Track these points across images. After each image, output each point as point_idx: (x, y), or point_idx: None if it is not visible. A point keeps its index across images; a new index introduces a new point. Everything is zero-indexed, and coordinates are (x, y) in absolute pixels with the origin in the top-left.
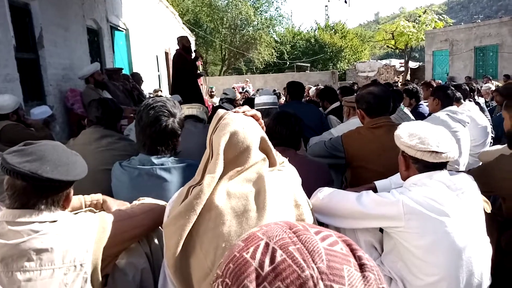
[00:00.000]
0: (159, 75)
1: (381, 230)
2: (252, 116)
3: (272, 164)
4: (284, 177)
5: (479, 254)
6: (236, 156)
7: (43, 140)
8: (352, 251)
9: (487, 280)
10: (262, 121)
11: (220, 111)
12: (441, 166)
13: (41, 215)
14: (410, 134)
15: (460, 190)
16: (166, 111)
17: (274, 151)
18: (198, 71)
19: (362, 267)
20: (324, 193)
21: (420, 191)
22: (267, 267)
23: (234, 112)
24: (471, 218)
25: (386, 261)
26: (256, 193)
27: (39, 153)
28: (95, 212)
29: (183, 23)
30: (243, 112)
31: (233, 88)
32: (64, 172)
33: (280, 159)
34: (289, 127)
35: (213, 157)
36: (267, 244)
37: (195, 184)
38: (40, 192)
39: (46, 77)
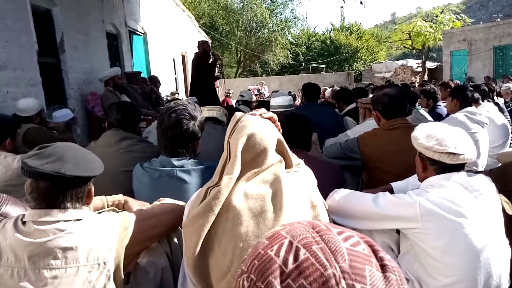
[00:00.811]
0: (176, 78)
1: (397, 231)
2: (268, 118)
3: (288, 165)
4: (300, 178)
5: (498, 255)
6: (253, 158)
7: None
8: (374, 252)
9: (506, 282)
10: (279, 124)
11: (238, 114)
12: (458, 167)
13: (66, 214)
14: (428, 135)
15: (478, 191)
16: (187, 114)
17: (290, 152)
18: (216, 74)
19: (383, 267)
20: (340, 195)
21: (437, 192)
22: (291, 265)
23: (251, 114)
24: (489, 219)
25: (402, 262)
26: (273, 194)
27: (57, 154)
28: (117, 212)
29: (199, 26)
30: (260, 114)
31: (248, 90)
32: (84, 168)
33: (296, 161)
34: (299, 128)
35: (230, 158)
36: (290, 243)
37: (213, 185)
38: (64, 191)
39: (68, 81)
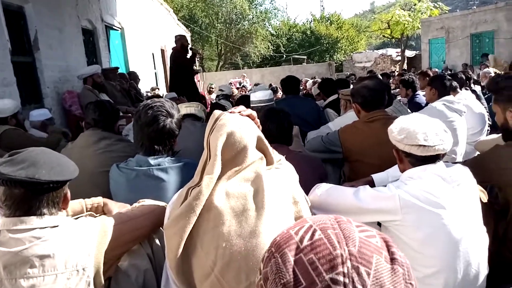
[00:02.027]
0: (155, 73)
1: (378, 224)
2: (248, 115)
3: (269, 162)
4: (281, 175)
5: (476, 244)
6: (233, 156)
7: (46, 146)
8: (387, 246)
9: (484, 270)
10: (258, 120)
11: (216, 112)
12: (434, 158)
13: (42, 220)
14: (401, 128)
15: (455, 182)
16: (164, 111)
17: (270, 149)
18: (195, 68)
19: (393, 260)
20: (322, 189)
21: (416, 184)
22: (306, 242)
23: (230, 112)
24: (467, 209)
25: None
26: (254, 192)
27: (30, 159)
28: (95, 216)
29: (178, 19)
30: (239, 112)
31: (230, 83)
32: (59, 172)
33: (277, 157)
34: (279, 123)
35: (211, 158)
36: (310, 226)
37: (194, 185)
38: (39, 196)
39: (43, 80)
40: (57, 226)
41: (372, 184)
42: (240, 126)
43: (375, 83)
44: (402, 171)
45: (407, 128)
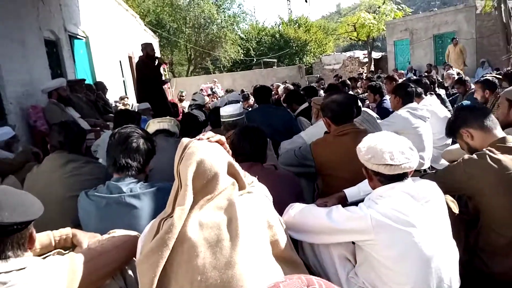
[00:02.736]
0: (124, 81)
1: (353, 242)
2: (216, 141)
3: (241, 187)
4: (254, 199)
5: (447, 260)
6: (204, 185)
7: (12, 167)
8: None
9: (456, 284)
10: (227, 146)
11: (184, 140)
12: (402, 176)
13: (7, 264)
14: (368, 147)
15: (424, 199)
16: (137, 133)
17: (242, 173)
18: (163, 78)
19: None
20: (295, 210)
21: (386, 203)
22: None
23: (198, 139)
24: (437, 225)
25: (360, 272)
26: (228, 221)
27: None
28: (63, 254)
29: (145, 25)
30: (207, 138)
31: (201, 90)
32: (22, 213)
33: (249, 179)
34: (253, 142)
35: (182, 188)
36: None
37: (166, 216)
38: (3, 239)
39: (5, 95)
40: (23, 268)
41: (345, 199)
42: (209, 153)
43: (343, 98)
44: (373, 188)
45: (374, 147)
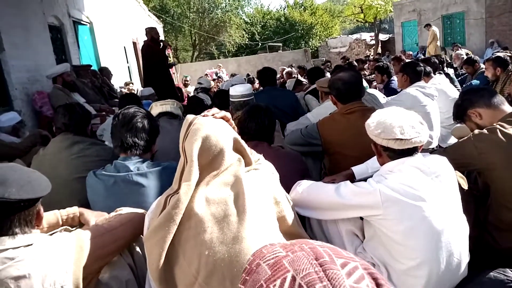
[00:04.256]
0: (128, 67)
1: (361, 217)
2: (222, 117)
3: (247, 163)
4: (261, 175)
5: (457, 234)
6: (210, 161)
7: (18, 151)
8: (378, 286)
9: (466, 258)
10: (232, 122)
11: (189, 117)
12: (411, 151)
13: (14, 240)
14: (378, 122)
15: (434, 173)
16: (141, 113)
17: (248, 149)
18: (169, 61)
19: None
20: (303, 187)
21: (395, 178)
22: None
23: (203, 116)
24: (447, 200)
25: (368, 248)
26: (235, 196)
27: (0, 177)
28: (71, 230)
29: (149, 10)
30: (213, 114)
31: (206, 75)
32: (30, 190)
33: (255, 157)
34: (259, 121)
35: (187, 164)
36: (293, 278)
37: (173, 193)
38: (10, 216)
39: (11, 81)
40: (31, 244)
41: (352, 177)
42: (214, 129)
43: (349, 76)
44: (381, 164)
45: (384, 122)
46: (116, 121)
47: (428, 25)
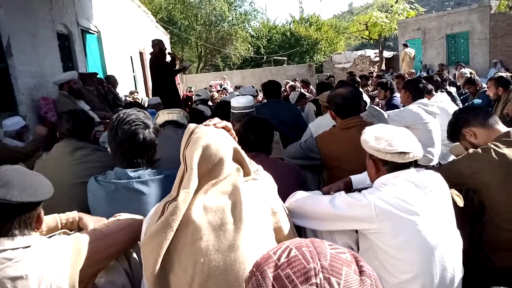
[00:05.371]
0: (134, 76)
1: (356, 231)
2: (223, 127)
3: (246, 173)
4: (259, 186)
5: (451, 248)
6: (210, 169)
7: (22, 155)
8: (356, 260)
9: (459, 273)
10: (233, 132)
11: (191, 126)
12: (408, 165)
13: (13, 242)
14: (377, 137)
15: (428, 188)
16: (141, 123)
17: (248, 160)
18: (180, 66)
19: (361, 272)
20: (298, 197)
21: (389, 191)
22: (283, 259)
23: (205, 125)
24: (440, 214)
25: None
26: (232, 205)
27: (3, 179)
28: (69, 234)
29: (157, 22)
30: (214, 124)
31: (210, 86)
32: (32, 193)
33: (254, 167)
34: (258, 133)
35: (187, 171)
36: (287, 246)
37: (171, 199)
38: (11, 218)
39: (17, 86)
40: (29, 246)
41: (350, 185)
42: (215, 138)
43: (348, 91)
44: (374, 180)
45: (383, 136)
46: (115, 137)
47: (404, 45)
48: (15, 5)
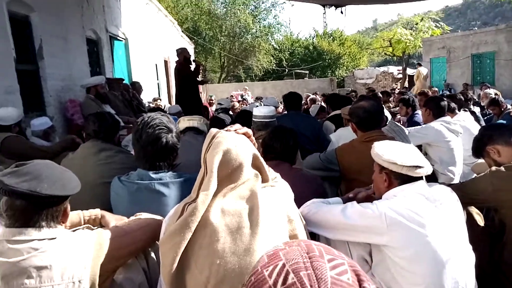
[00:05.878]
0: (158, 84)
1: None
2: (243, 133)
3: (264, 180)
4: (276, 193)
5: (463, 262)
6: (229, 174)
7: (46, 154)
8: (359, 281)
9: (472, 287)
10: (253, 138)
11: (213, 130)
12: (418, 179)
13: (40, 233)
14: (391, 151)
15: (438, 201)
16: (164, 127)
17: (266, 167)
18: (202, 78)
19: None
20: (311, 206)
21: (401, 202)
22: (279, 286)
23: (226, 130)
24: (451, 227)
25: (376, 273)
26: (249, 210)
27: (34, 172)
28: (92, 229)
29: (182, 31)
30: (235, 130)
31: (231, 96)
32: (60, 187)
33: (272, 175)
34: (284, 142)
35: (207, 174)
36: (283, 266)
37: (191, 201)
38: (39, 209)
39: (46, 88)
40: (54, 238)
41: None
42: (236, 144)
43: (370, 104)
44: (383, 193)
45: (399, 151)
46: (139, 140)
47: (418, 64)
48: (48, 10)
